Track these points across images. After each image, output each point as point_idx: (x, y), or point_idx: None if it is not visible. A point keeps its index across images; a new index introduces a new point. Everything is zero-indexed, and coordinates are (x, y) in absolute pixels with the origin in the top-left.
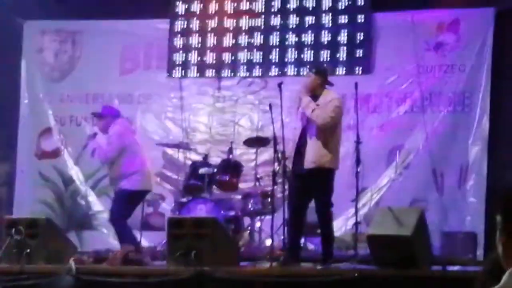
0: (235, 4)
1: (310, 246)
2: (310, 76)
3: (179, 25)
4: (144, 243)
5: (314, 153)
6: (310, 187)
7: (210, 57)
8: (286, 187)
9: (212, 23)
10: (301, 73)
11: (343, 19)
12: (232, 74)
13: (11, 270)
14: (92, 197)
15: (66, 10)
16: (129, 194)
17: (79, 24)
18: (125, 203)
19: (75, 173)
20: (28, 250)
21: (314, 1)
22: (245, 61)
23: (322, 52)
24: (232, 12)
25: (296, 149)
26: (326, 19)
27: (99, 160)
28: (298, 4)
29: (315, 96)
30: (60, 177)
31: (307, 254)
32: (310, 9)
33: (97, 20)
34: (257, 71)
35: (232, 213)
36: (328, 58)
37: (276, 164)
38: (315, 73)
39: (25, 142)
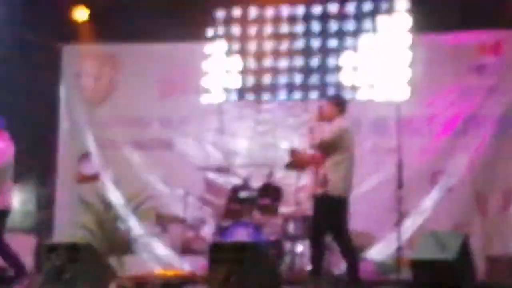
0: (275, 27)
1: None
2: (326, 105)
3: (219, 48)
4: (185, 267)
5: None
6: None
7: (250, 81)
8: None
9: (252, 46)
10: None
11: (387, 40)
12: (272, 97)
13: None
14: (132, 221)
15: (105, 34)
16: None
17: (118, 47)
18: None
19: (115, 197)
20: (68, 275)
21: (355, 24)
22: (285, 84)
23: (363, 75)
24: (272, 35)
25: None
26: (367, 42)
27: None
28: (338, 27)
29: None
30: (100, 201)
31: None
32: (351, 31)
33: (136, 43)
34: (297, 94)
35: (273, 237)
36: (369, 82)
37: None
38: (333, 102)
39: (65, 167)
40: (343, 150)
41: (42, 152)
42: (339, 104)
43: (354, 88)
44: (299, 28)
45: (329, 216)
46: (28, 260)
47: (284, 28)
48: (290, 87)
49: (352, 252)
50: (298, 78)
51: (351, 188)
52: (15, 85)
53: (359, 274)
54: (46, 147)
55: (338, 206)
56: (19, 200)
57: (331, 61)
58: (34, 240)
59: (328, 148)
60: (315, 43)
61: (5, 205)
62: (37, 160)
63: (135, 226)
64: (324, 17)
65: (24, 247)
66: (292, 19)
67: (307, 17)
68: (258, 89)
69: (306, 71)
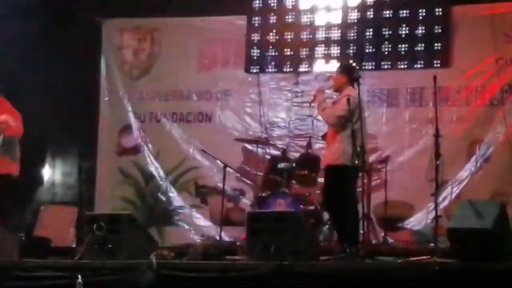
0: (312, 0)
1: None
2: (335, 75)
3: (257, 20)
4: (225, 237)
5: (327, 151)
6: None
7: (287, 52)
8: (366, 181)
9: (290, 18)
10: (381, 67)
11: (421, 12)
12: (310, 69)
13: (93, 266)
14: (172, 193)
15: (144, 7)
16: None
17: (157, 21)
18: None
19: (155, 169)
20: (110, 246)
21: None
22: (322, 55)
23: (400, 45)
24: (308, 7)
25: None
26: (404, 13)
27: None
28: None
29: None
30: (140, 174)
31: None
32: (388, 2)
33: (175, 17)
34: (334, 66)
35: (311, 207)
36: (407, 52)
37: (355, 158)
38: (341, 71)
39: (106, 140)
40: (356, 120)
41: (83, 125)
42: (348, 72)
43: (391, 58)
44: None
45: (345, 185)
46: (70, 232)
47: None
48: (327, 58)
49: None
50: (334, 50)
51: (368, 156)
52: (57, 59)
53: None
54: (87, 120)
55: (345, 174)
56: (60, 172)
57: (369, 32)
58: (76, 212)
59: (341, 124)
60: (353, 14)
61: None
62: (78, 133)
63: (175, 198)
64: None
65: (66, 219)
66: None
67: None
68: (295, 61)
69: (343, 42)
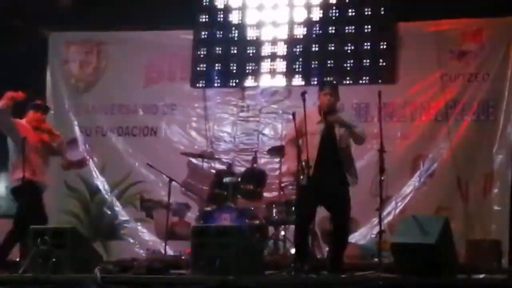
0: (258, 15)
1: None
2: (330, 96)
3: (203, 35)
4: (170, 251)
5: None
6: (330, 200)
7: (233, 67)
8: None
9: (235, 33)
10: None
11: (367, 28)
12: (256, 83)
13: (37, 280)
14: (118, 207)
15: (91, 21)
16: None
17: (104, 35)
18: None
19: (101, 183)
20: (54, 260)
21: (338, 11)
22: (268, 70)
23: (345, 61)
24: (254, 22)
25: (318, 161)
26: (350, 29)
27: None
28: (322, 14)
29: (333, 111)
30: (86, 187)
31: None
32: (334, 18)
33: (122, 31)
34: (280, 81)
35: (256, 222)
36: (352, 67)
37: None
38: (333, 90)
39: None
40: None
41: None
42: (335, 89)
43: (338, 74)
44: (283, 15)
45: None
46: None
47: (268, 16)
48: (273, 73)
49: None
50: (281, 64)
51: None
52: (2, 72)
53: (342, 260)
54: None
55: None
56: (4, 186)
57: (315, 47)
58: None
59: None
60: (299, 30)
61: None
62: None
63: (120, 212)
64: (308, 6)
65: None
66: (275, 7)
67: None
68: (241, 75)
69: (289, 57)
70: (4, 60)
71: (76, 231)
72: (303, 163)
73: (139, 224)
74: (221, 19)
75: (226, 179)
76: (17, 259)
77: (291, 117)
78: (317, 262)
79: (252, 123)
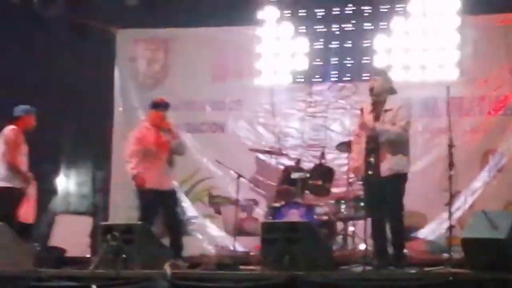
0: (326, 9)
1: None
2: (376, 80)
3: (270, 31)
4: (238, 247)
5: (388, 160)
6: (386, 193)
7: (301, 63)
8: None
9: (303, 28)
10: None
11: (436, 22)
12: (323, 79)
13: (107, 275)
14: (186, 203)
15: (158, 18)
16: None
17: (170, 32)
18: None
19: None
20: (124, 256)
21: (407, 6)
22: (336, 66)
23: (413, 55)
24: (321, 17)
25: (365, 156)
26: (418, 23)
27: None
28: (389, 7)
29: (380, 102)
30: None
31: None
32: (401, 13)
33: (189, 28)
34: (348, 76)
35: (325, 217)
36: (420, 62)
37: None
38: (381, 76)
39: (120, 149)
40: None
41: (97, 135)
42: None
43: (405, 69)
44: (350, 9)
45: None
46: (85, 241)
47: (335, 10)
48: (341, 69)
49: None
50: (348, 60)
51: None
52: (71, 69)
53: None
54: (101, 130)
55: (405, 182)
56: (75, 183)
57: (382, 42)
58: (91, 222)
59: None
60: (366, 24)
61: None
62: (93, 144)
63: (188, 208)
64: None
65: (81, 229)
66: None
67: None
68: (309, 71)
69: (357, 52)
70: (73, 57)
71: (145, 227)
72: (371, 159)
73: (207, 220)
74: (288, 14)
75: (295, 175)
76: (88, 255)
77: (359, 112)
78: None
79: (320, 118)
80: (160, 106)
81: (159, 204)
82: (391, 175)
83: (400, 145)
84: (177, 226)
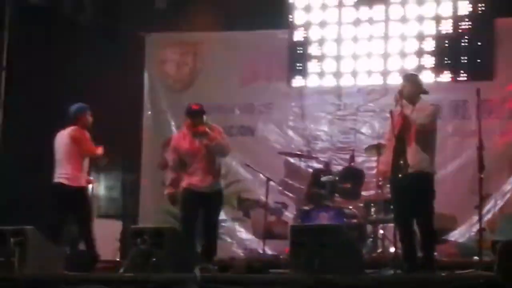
0: (355, 13)
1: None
2: (405, 86)
3: (299, 35)
4: (268, 251)
5: (413, 158)
6: (414, 193)
7: (330, 66)
8: None
9: (332, 32)
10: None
11: (464, 25)
12: (352, 82)
13: (137, 279)
14: None
15: (187, 22)
16: None
17: (199, 36)
18: None
19: None
20: (154, 259)
21: (435, 8)
22: (365, 69)
23: (442, 58)
24: (351, 20)
25: (395, 155)
26: (447, 26)
27: None
28: (418, 12)
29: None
30: None
31: None
32: (430, 16)
33: (218, 32)
34: (377, 79)
35: (354, 220)
36: (449, 65)
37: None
38: (410, 81)
39: (149, 153)
40: (435, 131)
41: (126, 138)
42: (414, 81)
43: (435, 71)
44: (379, 13)
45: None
46: (114, 245)
47: (365, 14)
48: (370, 72)
49: (433, 233)
50: (377, 63)
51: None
52: (101, 73)
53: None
54: (130, 133)
55: (432, 183)
56: (105, 186)
57: (411, 45)
58: (120, 225)
59: (430, 130)
60: (395, 28)
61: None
62: (122, 147)
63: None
64: (403, 2)
65: (110, 233)
66: (371, 4)
67: (387, 2)
68: (338, 74)
69: (386, 55)
70: (102, 61)
71: (175, 230)
72: (400, 162)
73: (236, 223)
74: (317, 18)
75: (324, 178)
76: (117, 259)
77: (388, 115)
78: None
79: (349, 121)
80: (189, 112)
81: (199, 207)
82: (416, 172)
83: (427, 138)
84: (213, 230)
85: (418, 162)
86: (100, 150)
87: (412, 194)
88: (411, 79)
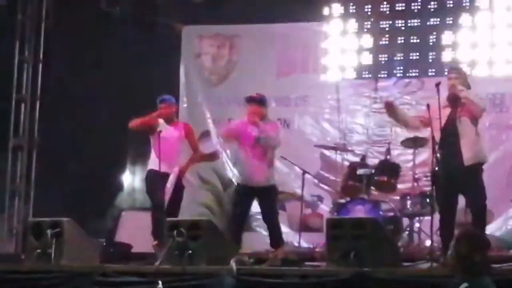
0: (391, 5)
1: None
2: (456, 79)
3: (335, 27)
4: (303, 243)
5: (471, 148)
6: (465, 184)
7: (366, 59)
8: None
9: (368, 24)
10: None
11: (504, 17)
12: (389, 75)
13: (173, 271)
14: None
15: (223, 14)
16: None
17: (236, 28)
18: None
19: (233, 175)
20: (190, 252)
21: (474, 1)
22: (401, 61)
23: (478, 51)
24: (388, 12)
25: (444, 147)
26: (484, 19)
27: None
28: (453, 4)
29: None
30: (218, 179)
31: None
32: (467, 8)
33: (254, 24)
34: (414, 72)
35: (390, 214)
36: (487, 57)
37: (435, 164)
38: (462, 73)
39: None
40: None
41: None
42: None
43: (472, 65)
44: (416, 5)
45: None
46: (150, 237)
47: (401, 5)
48: (406, 65)
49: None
50: (414, 55)
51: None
52: (137, 66)
53: None
54: None
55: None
56: (141, 178)
57: (448, 38)
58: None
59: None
60: (432, 20)
61: None
62: None
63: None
64: None
65: (146, 225)
66: None
67: None
68: (374, 67)
69: (423, 48)
70: (139, 54)
71: (211, 223)
72: (438, 155)
73: None
74: (353, 10)
75: (360, 171)
76: (153, 251)
77: (425, 108)
78: None
79: (385, 114)
80: (246, 99)
81: (249, 200)
82: (473, 164)
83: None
84: (270, 221)
85: (477, 153)
86: None
87: (469, 186)
88: (462, 72)
